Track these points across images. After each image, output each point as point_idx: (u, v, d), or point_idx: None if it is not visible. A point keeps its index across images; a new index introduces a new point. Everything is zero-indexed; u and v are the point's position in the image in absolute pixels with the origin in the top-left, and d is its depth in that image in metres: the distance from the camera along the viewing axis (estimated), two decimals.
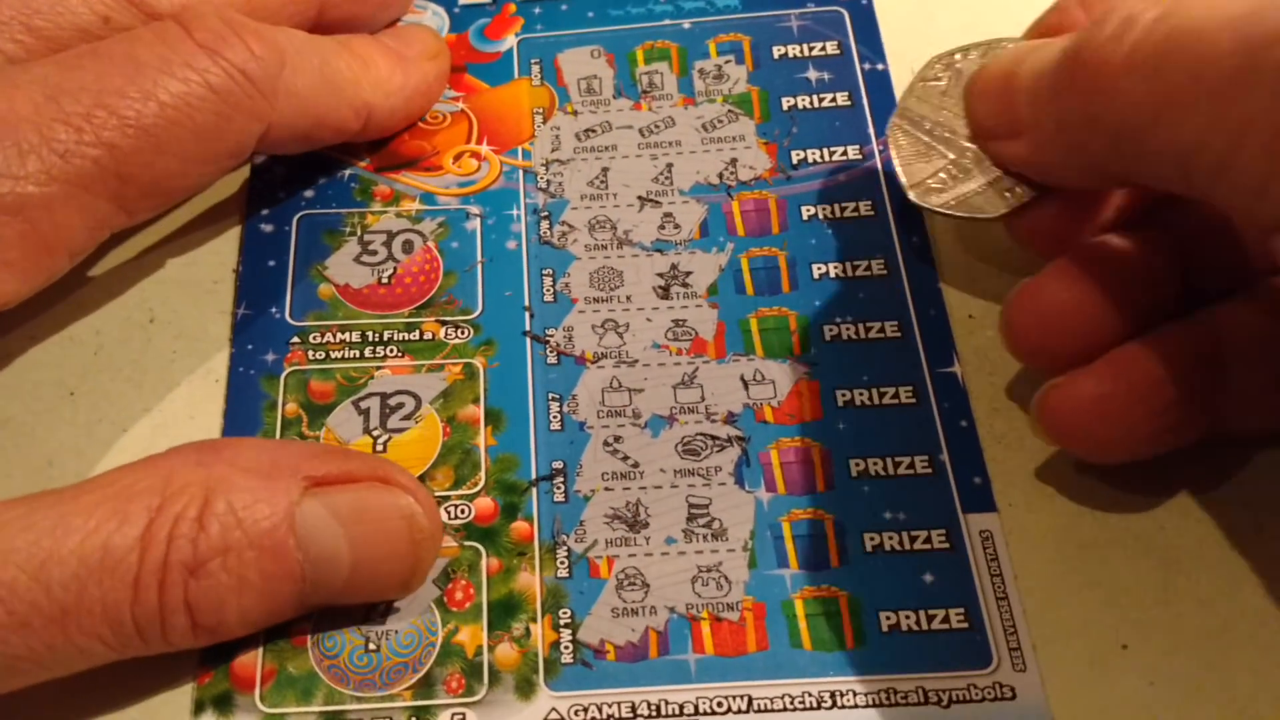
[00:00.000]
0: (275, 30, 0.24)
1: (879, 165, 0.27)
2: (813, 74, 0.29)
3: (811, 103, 0.28)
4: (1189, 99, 0.18)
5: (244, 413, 0.24)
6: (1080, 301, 0.22)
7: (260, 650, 0.22)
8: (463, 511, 0.23)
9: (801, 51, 0.29)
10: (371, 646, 0.22)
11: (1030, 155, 0.22)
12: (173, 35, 0.22)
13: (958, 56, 0.25)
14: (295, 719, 0.21)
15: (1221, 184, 0.18)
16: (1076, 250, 0.22)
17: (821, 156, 0.28)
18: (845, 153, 0.28)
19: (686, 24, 0.30)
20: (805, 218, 0.27)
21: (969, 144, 0.24)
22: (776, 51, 0.29)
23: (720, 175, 0.27)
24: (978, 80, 0.23)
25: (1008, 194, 0.23)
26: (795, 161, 0.28)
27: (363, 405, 0.24)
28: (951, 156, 0.24)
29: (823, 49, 0.29)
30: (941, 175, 0.24)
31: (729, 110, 0.28)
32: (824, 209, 0.27)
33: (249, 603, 0.20)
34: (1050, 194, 0.23)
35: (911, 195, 0.24)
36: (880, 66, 0.29)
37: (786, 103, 0.28)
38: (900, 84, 0.28)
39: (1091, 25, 0.20)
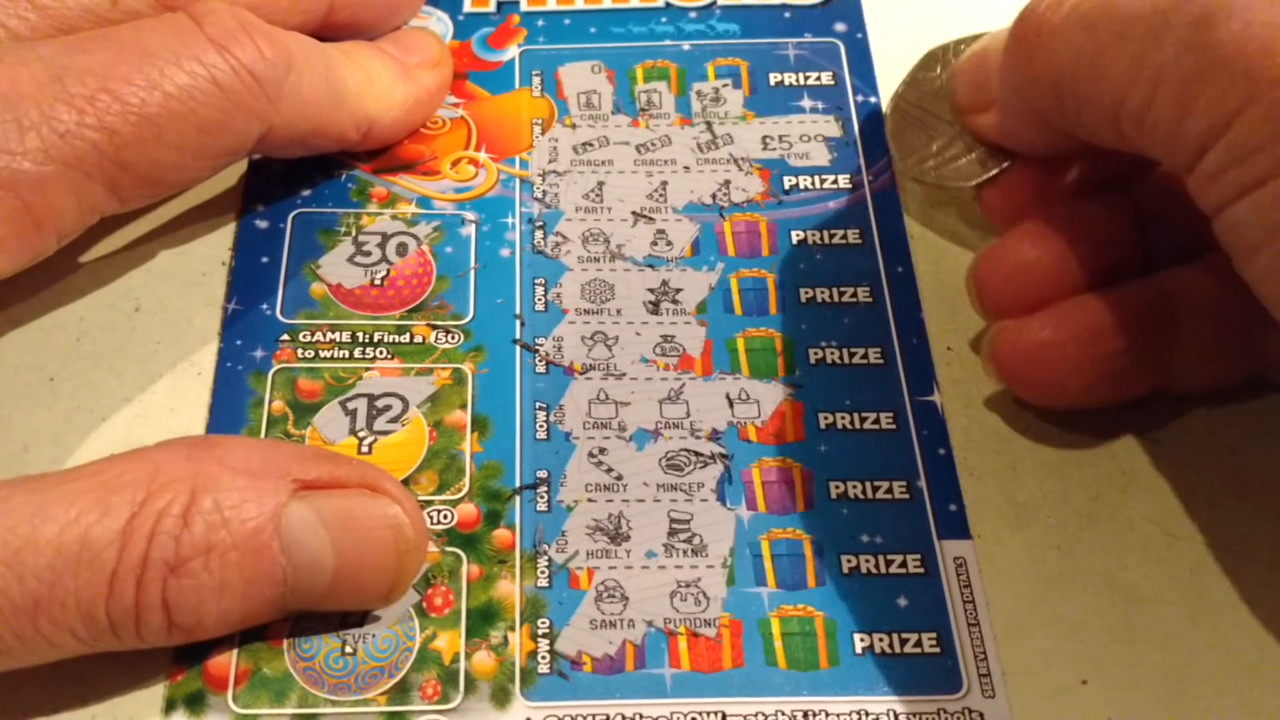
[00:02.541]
0: (285, 34, 0.24)
1: (868, 195, 0.28)
2: (807, 102, 0.29)
3: (805, 130, 0.29)
4: (1113, 55, 0.20)
5: (230, 408, 0.24)
6: (1042, 259, 0.23)
7: (235, 650, 0.21)
8: (445, 517, 0.23)
9: (797, 80, 0.30)
10: (348, 650, 0.22)
11: (999, 124, 0.24)
12: (184, 28, 0.22)
13: (950, 48, 0.27)
14: None
15: (1144, 130, 0.20)
16: (1042, 214, 0.24)
17: (813, 183, 0.28)
18: (836, 181, 0.28)
19: (687, 45, 0.30)
20: (795, 242, 0.27)
21: (953, 122, 0.26)
22: (773, 79, 0.30)
23: (713, 196, 0.28)
24: (961, 62, 0.26)
25: (986, 164, 0.25)
26: (787, 187, 0.28)
27: (350, 406, 0.24)
28: (937, 134, 0.26)
29: (818, 79, 0.30)
30: (928, 149, 0.26)
31: (725, 134, 0.29)
32: (813, 235, 0.27)
33: (228, 604, 0.20)
34: (1021, 164, 0.25)
35: (903, 167, 0.27)
36: (873, 99, 0.29)
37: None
38: None
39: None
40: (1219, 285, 0.23)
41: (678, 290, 0.26)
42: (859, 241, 0.27)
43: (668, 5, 0.31)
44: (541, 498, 0.24)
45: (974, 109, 0.25)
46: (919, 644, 0.22)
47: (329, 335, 0.25)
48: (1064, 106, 0.22)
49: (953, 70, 0.26)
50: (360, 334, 0.25)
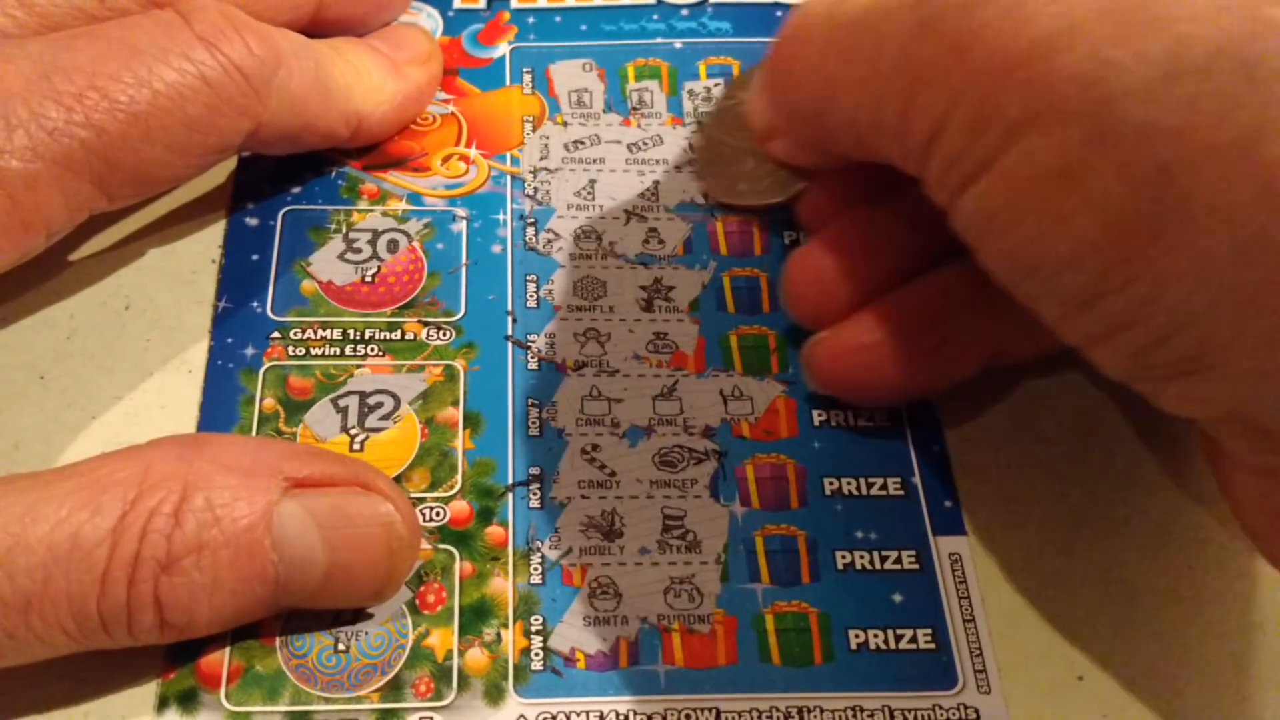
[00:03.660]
0: (274, 31, 0.24)
1: None
2: None
3: None
4: (845, 77, 0.21)
5: (221, 406, 0.24)
6: (840, 263, 0.24)
7: (228, 648, 0.21)
8: (438, 514, 0.23)
9: None
10: (341, 647, 0.21)
11: (785, 149, 0.25)
12: (172, 25, 0.22)
13: (748, 77, 0.28)
14: (261, 718, 0.21)
15: (881, 145, 0.21)
16: (836, 221, 0.24)
17: None
18: None
19: (678, 44, 0.30)
20: (788, 242, 0.27)
21: (754, 149, 0.26)
22: None
23: (705, 196, 0.28)
24: (749, 92, 0.26)
25: (785, 186, 0.26)
26: None
27: (341, 403, 0.24)
28: (745, 160, 0.27)
29: None
30: (736, 176, 0.27)
31: None
32: (805, 234, 0.27)
33: (220, 602, 0.20)
34: (825, 178, 0.25)
35: (716, 195, 0.27)
36: None
37: None
38: None
39: (783, 24, 0.23)
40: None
41: (670, 288, 0.26)
42: None
43: (659, 3, 0.31)
44: (534, 494, 0.23)
45: (765, 137, 0.26)
46: (914, 640, 0.22)
47: (320, 332, 0.25)
48: (819, 131, 0.23)
49: (747, 101, 0.26)
50: (351, 331, 0.25)
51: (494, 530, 0.23)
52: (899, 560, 0.23)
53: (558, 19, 0.31)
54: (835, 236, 0.24)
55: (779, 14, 0.31)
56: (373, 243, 0.27)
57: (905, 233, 0.24)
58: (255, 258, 0.26)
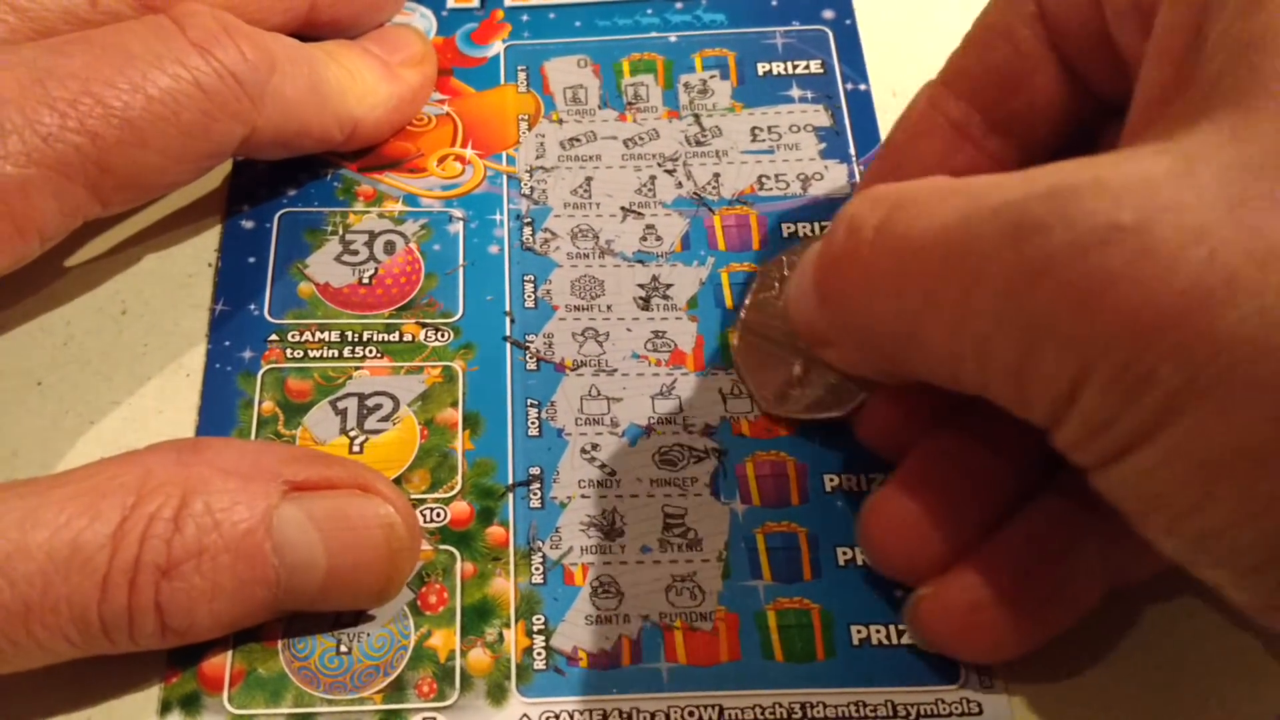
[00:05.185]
0: (267, 35, 0.24)
1: (859, 185, 0.28)
2: (795, 92, 0.29)
3: (794, 120, 0.29)
4: (929, 326, 0.18)
5: (219, 409, 0.24)
6: (927, 508, 0.21)
7: (230, 651, 0.21)
8: (438, 515, 0.23)
9: (785, 69, 0.30)
10: (343, 649, 0.22)
11: (841, 359, 0.21)
12: (166, 30, 0.22)
13: (785, 260, 0.25)
14: None
15: (990, 396, 0.18)
16: (917, 454, 0.21)
17: (803, 174, 0.28)
18: (826, 170, 0.28)
19: (673, 37, 0.30)
20: (786, 235, 0.27)
21: (801, 348, 0.23)
22: (761, 68, 0.30)
23: (703, 189, 0.28)
24: (788, 293, 0.22)
25: (841, 398, 0.23)
26: (777, 178, 0.28)
27: (340, 405, 0.24)
28: (792, 362, 0.24)
29: (806, 67, 0.30)
30: (787, 381, 0.24)
31: (714, 126, 0.29)
32: (804, 227, 0.27)
33: (221, 607, 0.20)
34: (880, 390, 0.22)
35: (763, 405, 0.24)
36: (863, 87, 0.29)
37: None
38: (881, 105, 0.29)
39: (826, 235, 0.20)
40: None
41: (668, 285, 0.26)
42: None
43: None
44: (535, 494, 0.23)
45: (813, 343, 0.22)
46: None
47: (318, 335, 0.25)
48: (893, 359, 0.20)
49: (786, 303, 0.22)
50: (349, 333, 0.25)
51: (495, 530, 0.23)
52: None
53: (552, 16, 0.30)
54: (916, 476, 0.21)
55: (773, 2, 0.30)
56: (369, 244, 0.26)
57: (994, 460, 0.21)
58: (252, 261, 0.26)
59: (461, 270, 0.26)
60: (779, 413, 0.24)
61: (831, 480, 0.24)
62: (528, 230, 0.27)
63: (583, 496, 0.23)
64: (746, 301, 0.25)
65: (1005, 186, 0.17)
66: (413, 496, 0.23)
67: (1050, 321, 0.16)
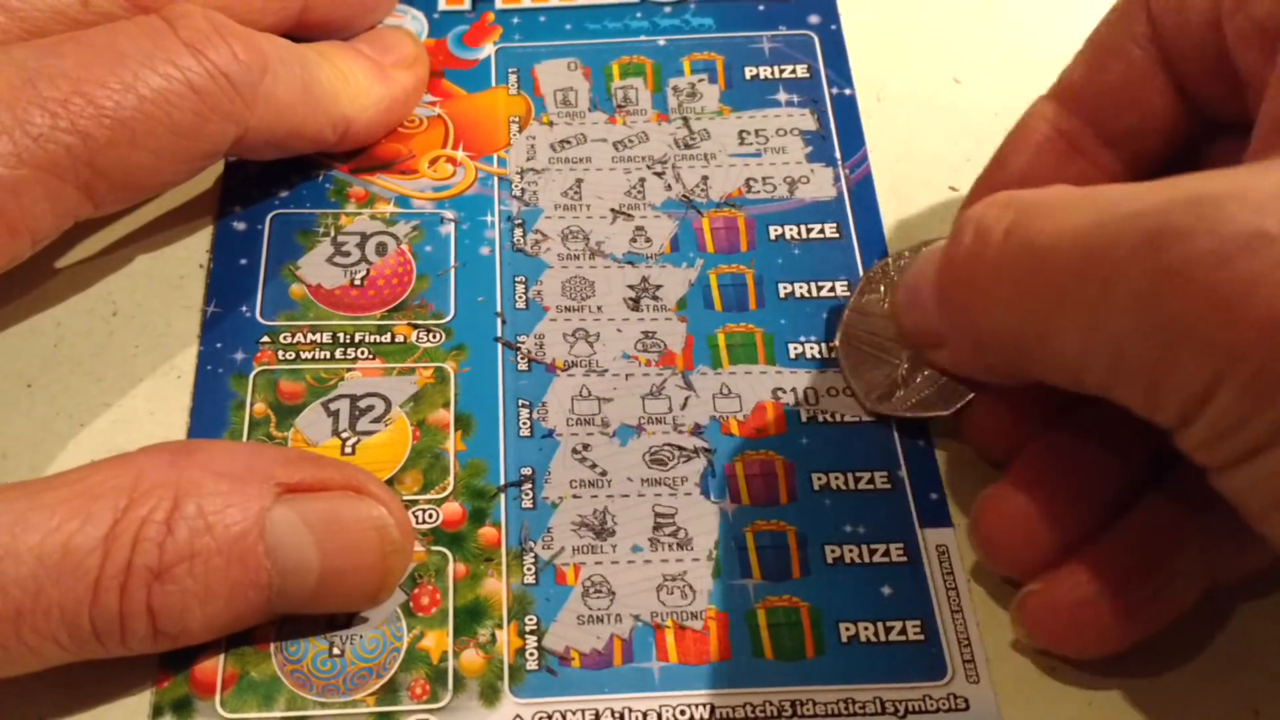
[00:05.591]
0: (260, 36, 0.24)
1: (845, 188, 0.28)
2: (782, 96, 0.29)
3: (781, 124, 0.29)
4: (1060, 325, 0.18)
5: (211, 411, 0.24)
6: (1040, 506, 0.21)
7: (222, 655, 0.21)
8: (430, 516, 0.23)
9: (773, 73, 0.30)
10: (335, 651, 0.22)
11: (952, 360, 0.22)
12: (157, 30, 0.22)
13: (891, 264, 0.26)
14: None
15: (1115, 396, 0.18)
16: (1030, 452, 0.22)
17: (790, 178, 0.28)
18: (813, 174, 0.28)
19: (662, 41, 0.30)
20: (773, 237, 0.27)
21: (904, 349, 0.24)
22: (749, 72, 0.30)
23: (692, 192, 0.28)
24: (898, 295, 0.23)
25: (949, 398, 0.23)
26: (764, 181, 0.28)
27: (332, 407, 0.24)
28: (897, 363, 0.24)
29: (793, 72, 0.30)
30: (889, 382, 0.24)
31: (702, 130, 0.29)
32: (791, 229, 0.27)
33: (213, 610, 0.20)
34: (988, 390, 0.23)
35: (868, 404, 0.24)
36: (848, 91, 0.30)
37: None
38: (865, 109, 0.29)
39: (951, 238, 0.21)
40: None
41: (658, 287, 0.26)
42: (836, 235, 0.27)
43: (642, 1, 0.31)
44: (526, 495, 0.24)
45: (922, 345, 0.23)
46: (903, 632, 0.22)
47: (309, 336, 0.25)
48: (1014, 360, 0.20)
49: (893, 304, 0.24)
50: (341, 334, 0.25)
51: (487, 531, 0.23)
52: (887, 553, 0.23)
53: (542, 19, 0.31)
54: (1029, 474, 0.21)
55: (760, 7, 0.31)
56: (361, 246, 0.27)
57: (1104, 459, 0.21)
58: (243, 262, 0.26)
59: (453, 271, 0.26)
60: (883, 411, 0.24)
61: (819, 479, 0.24)
62: (519, 231, 0.27)
63: (574, 497, 0.24)
64: (850, 305, 0.26)
65: (1140, 195, 0.18)
66: (405, 498, 0.23)
67: (1189, 324, 0.17)
